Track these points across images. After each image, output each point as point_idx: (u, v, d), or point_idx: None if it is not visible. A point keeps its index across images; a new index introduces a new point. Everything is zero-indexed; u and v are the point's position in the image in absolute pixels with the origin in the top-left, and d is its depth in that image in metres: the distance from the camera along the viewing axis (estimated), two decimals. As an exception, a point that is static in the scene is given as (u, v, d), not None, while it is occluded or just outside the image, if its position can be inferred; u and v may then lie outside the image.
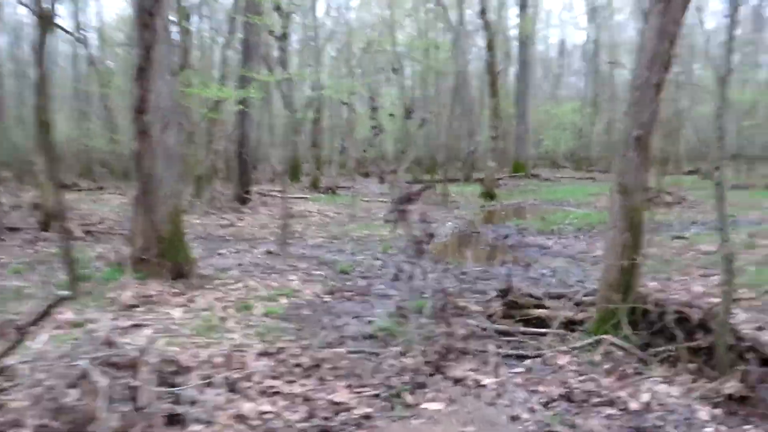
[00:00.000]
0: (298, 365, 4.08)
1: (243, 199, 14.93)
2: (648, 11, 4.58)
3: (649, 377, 3.91)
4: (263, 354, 4.36)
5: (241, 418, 3.32)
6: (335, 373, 4.01)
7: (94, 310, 5.50)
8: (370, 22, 31.76)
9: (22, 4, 13.50)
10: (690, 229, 10.96)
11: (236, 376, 3.81)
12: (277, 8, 10.00)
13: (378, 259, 8.84)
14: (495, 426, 3.39)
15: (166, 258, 6.58)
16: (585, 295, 5.23)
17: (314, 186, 21.19)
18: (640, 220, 4.62)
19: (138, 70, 6.45)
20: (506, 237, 10.98)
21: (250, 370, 3.94)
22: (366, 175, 27.90)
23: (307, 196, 18.68)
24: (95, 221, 11.30)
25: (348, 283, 7.19)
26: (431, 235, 4.79)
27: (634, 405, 3.54)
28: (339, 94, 20.80)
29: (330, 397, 3.65)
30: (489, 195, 18.96)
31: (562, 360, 4.29)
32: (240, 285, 6.67)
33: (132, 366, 3.29)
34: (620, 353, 4.26)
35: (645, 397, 3.62)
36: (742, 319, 5.06)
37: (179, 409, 3.22)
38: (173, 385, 3.42)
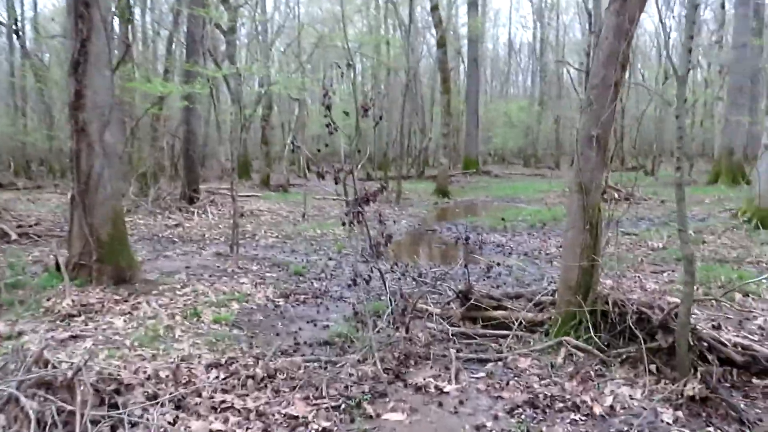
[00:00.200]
0: (250, 377, 3.85)
1: (190, 198, 14.39)
2: (605, 9, 4.56)
3: (611, 379, 3.87)
4: (213, 365, 4.13)
5: (189, 439, 3.09)
6: (291, 384, 3.81)
7: (27, 320, 5.12)
8: (321, 18, 31.43)
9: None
10: (639, 225, 11.20)
11: (184, 391, 3.56)
12: (225, 1, 9.65)
13: (332, 259, 8.65)
14: (459, 436, 3.27)
15: (106, 262, 6.22)
16: (543, 295, 5.19)
17: (265, 183, 20.71)
18: (599, 220, 4.60)
19: (73, 63, 6.05)
20: (461, 235, 10.92)
21: (200, 385, 3.70)
22: (319, 174, 27.52)
23: (258, 194, 18.21)
24: (32, 222, 10.67)
25: (302, 285, 6.96)
26: (389, 237, 4.64)
27: (598, 409, 3.48)
28: (289, 89, 20.46)
29: (286, 410, 3.45)
30: (442, 192, 18.94)
31: (524, 363, 4.22)
32: (188, 290, 6.35)
33: (67, 387, 3.01)
34: (582, 355, 4.22)
35: (608, 400, 3.57)
36: (698, 317, 5.12)
37: (121, 433, 2.96)
38: (114, 406, 3.15)
